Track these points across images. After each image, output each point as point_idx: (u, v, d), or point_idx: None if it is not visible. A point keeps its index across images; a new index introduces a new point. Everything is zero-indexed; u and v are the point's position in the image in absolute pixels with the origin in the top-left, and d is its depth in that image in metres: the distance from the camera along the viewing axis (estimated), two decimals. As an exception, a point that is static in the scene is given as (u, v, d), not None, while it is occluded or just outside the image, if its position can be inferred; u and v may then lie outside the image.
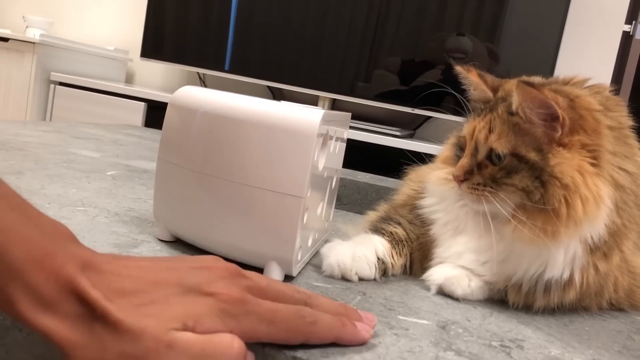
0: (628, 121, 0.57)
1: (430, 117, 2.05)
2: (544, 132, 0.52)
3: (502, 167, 0.53)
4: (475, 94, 0.61)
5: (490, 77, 0.61)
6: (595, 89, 0.57)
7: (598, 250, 0.53)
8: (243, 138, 0.51)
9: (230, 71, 2.04)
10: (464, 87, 0.63)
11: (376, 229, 0.62)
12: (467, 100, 0.62)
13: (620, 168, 0.53)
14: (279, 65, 2.02)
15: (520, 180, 0.52)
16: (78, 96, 2.02)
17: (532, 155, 0.52)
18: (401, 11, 1.90)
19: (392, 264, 0.59)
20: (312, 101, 2.02)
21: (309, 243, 0.57)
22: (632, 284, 0.60)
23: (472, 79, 0.61)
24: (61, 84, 2.04)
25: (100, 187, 0.76)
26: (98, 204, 0.68)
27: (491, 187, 0.54)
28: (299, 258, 0.52)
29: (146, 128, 1.65)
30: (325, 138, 0.55)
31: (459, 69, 0.61)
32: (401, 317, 0.48)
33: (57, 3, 2.59)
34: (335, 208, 1.02)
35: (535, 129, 0.52)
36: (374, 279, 0.57)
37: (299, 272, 0.55)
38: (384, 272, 0.59)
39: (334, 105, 2.04)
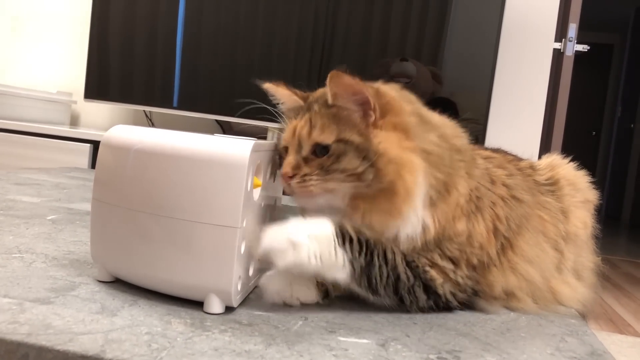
0: (420, 105, 0.64)
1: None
2: (361, 117, 0.58)
3: (331, 154, 0.57)
4: (287, 105, 0.66)
5: (298, 91, 0.66)
6: (389, 86, 0.64)
7: (439, 199, 0.59)
8: (176, 173, 0.51)
9: (178, 107, 2.03)
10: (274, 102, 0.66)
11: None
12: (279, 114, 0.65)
13: (425, 139, 0.59)
14: (227, 99, 2.02)
15: (348, 162, 0.56)
16: (20, 142, 1.97)
17: (356, 138, 0.57)
18: (345, 40, 1.95)
19: (332, 284, 0.60)
20: (262, 133, 2.03)
21: (250, 272, 0.57)
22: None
23: (283, 92, 0.65)
24: (1, 130, 1.99)
25: (39, 232, 0.74)
26: (36, 249, 0.66)
27: (319, 175, 0.57)
28: (238, 289, 0.53)
29: (92, 170, 1.63)
30: (259, 168, 0.56)
31: (268, 85, 0.66)
32: (341, 339, 0.49)
33: (-4, 48, 2.54)
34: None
35: (352, 115, 0.58)
36: (317, 302, 0.58)
37: (241, 302, 0.55)
38: (326, 293, 0.59)
39: (284, 135, 2.06)
